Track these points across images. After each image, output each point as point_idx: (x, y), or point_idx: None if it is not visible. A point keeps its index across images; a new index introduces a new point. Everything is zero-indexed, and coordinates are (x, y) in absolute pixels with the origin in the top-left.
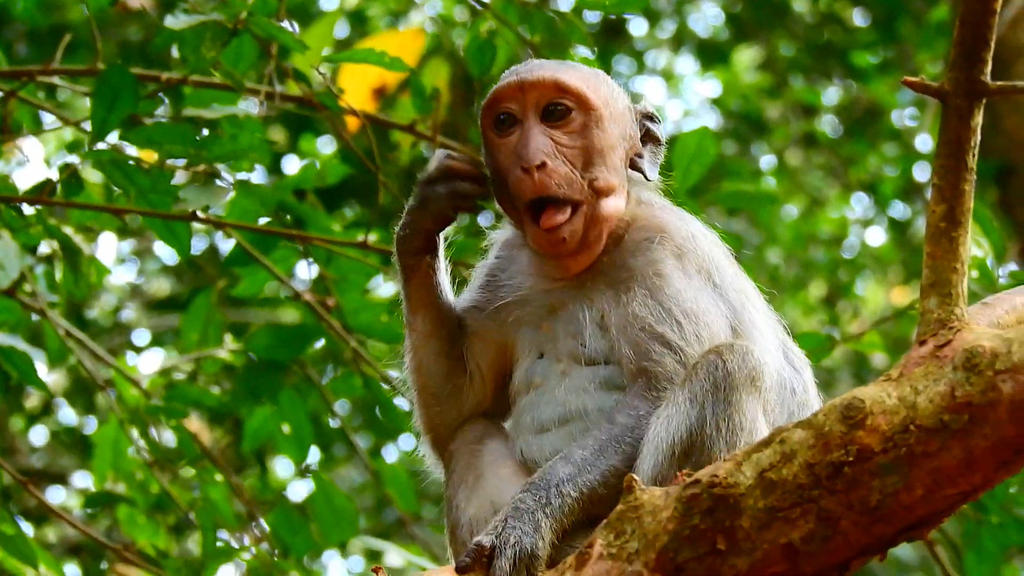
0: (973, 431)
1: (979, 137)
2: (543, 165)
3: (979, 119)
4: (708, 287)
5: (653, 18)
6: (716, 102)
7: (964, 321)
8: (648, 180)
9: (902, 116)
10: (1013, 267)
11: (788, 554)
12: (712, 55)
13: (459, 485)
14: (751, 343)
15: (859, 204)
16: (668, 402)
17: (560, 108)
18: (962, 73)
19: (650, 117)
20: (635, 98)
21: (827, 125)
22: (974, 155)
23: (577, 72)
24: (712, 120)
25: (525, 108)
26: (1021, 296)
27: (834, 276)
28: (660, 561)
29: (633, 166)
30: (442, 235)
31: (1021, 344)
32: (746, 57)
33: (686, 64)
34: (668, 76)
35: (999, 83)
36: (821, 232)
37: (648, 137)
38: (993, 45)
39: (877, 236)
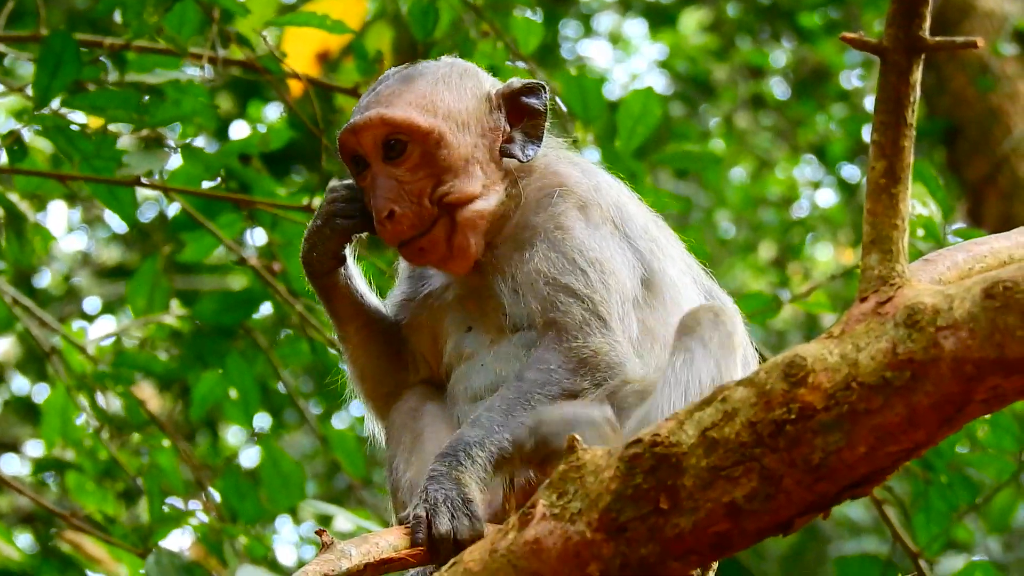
0: (915, 388)
1: (918, 93)
2: (391, 215)
3: (918, 75)
4: (615, 236)
5: None
6: (663, 65)
7: (905, 278)
8: (522, 162)
9: (850, 77)
10: (960, 226)
11: (731, 513)
12: (660, 18)
13: (398, 447)
14: (661, 294)
15: (808, 166)
16: (679, 349)
17: (395, 144)
18: (900, 29)
19: (525, 91)
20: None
21: (775, 87)
22: (913, 111)
23: (408, 96)
24: (660, 83)
25: (367, 152)
26: (962, 252)
27: (784, 238)
28: (603, 521)
29: (504, 153)
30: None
31: (962, 300)
32: (693, 20)
33: (634, 27)
34: (616, 39)
35: (937, 38)
36: (770, 194)
37: (524, 112)
38: (933, 2)
39: (827, 198)
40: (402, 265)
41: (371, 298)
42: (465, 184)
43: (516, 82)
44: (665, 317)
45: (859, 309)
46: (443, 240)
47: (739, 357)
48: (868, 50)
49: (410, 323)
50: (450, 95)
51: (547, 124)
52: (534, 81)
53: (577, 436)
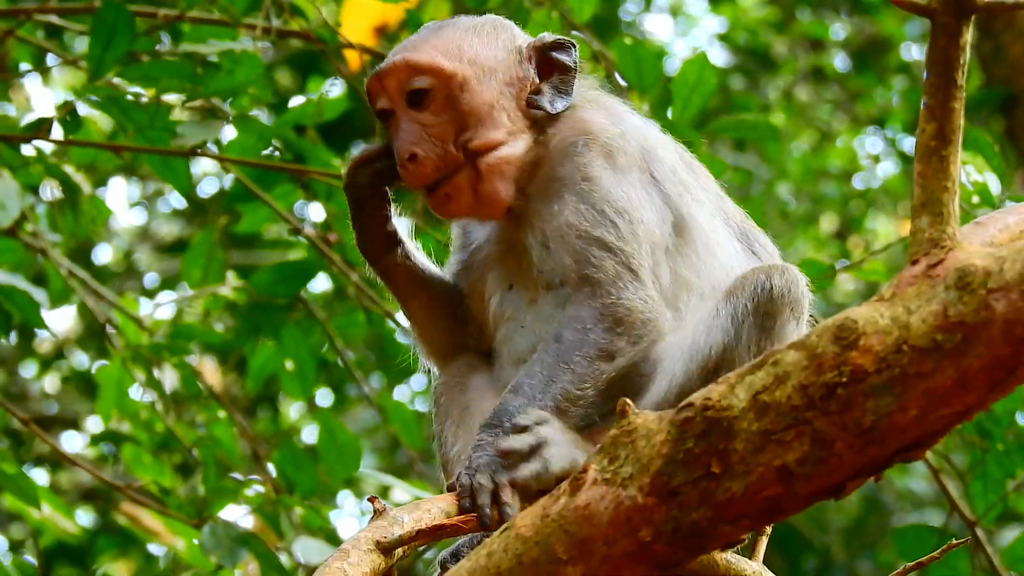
0: (966, 351)
1: (968, 55)
2: (413, 157)
3: (967, 37)
4: (643, 182)
5: None
6: (723, 38)
7: (956, 240)
8: (551, 114)
9: (910, 48)
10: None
11: (783, 476)
12: None
13: (446, 420)
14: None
15: (868, 138)
16: (710, 311)
17: (419, 90)
18: None
19: (554, 47)
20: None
21: (836, 59)
22: (963, 73)
23: (435, 41)
24: (720, 57)
25: (392, 98)
26: (1014, 215)
27: (845, 210)
28: (655, 485)
29: (531, 104)
30: (399, 223)
31: (1014, 262)
32: None
33: (694, 3)
34: (676, 13)
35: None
36: (831, 166)
37: (553, 67)
38: None
39: (887, 169)
40: (455, 233)
41: (433, 271)
42: (489, 131)
43: (547, 36)
44: (698, 264)
45: (910, 272)
46: (467, 187)
47: (791, 318)
48: (917, 12)
49: (469, 291)
50: (479, 42)
51: (577, 80)
52: (564, 37)
53: (628, 400)
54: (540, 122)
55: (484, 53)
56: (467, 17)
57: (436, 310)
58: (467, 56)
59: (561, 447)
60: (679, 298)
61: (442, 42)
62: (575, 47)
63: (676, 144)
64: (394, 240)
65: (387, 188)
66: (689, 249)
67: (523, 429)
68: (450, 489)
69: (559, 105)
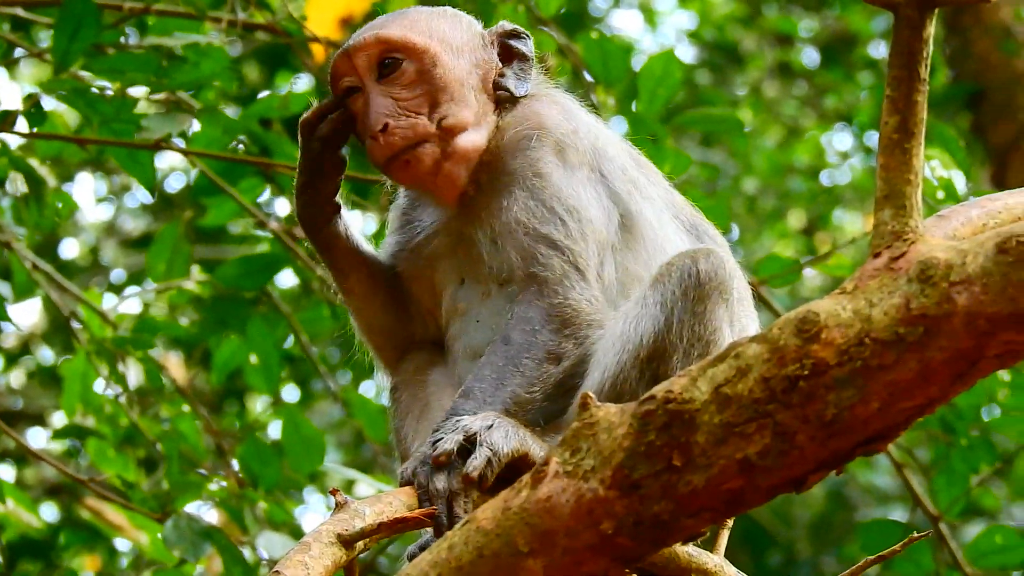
0: (928, 343)
1: (931, 48)
2: (385, 128)
3: (931, 30)
4: (592, 180)
5: None
6: (692, 35)
7: (919, 233)
8: (516, 97)
9: (878, 45)
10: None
11: (744, 469)
12: None
13: (406, 416)
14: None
15: (836, 135)
16: (638, 301)
17: (390, 62)
18: None
19: (512, 35)
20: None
21: (804, 56)
22: (927, 66)
23: (403, 19)
24: (688, 53)
25: (360, 74)
26: (976, 208)
27: (812, 206)
28: (616, 478)
29: (497, 87)
30: (339, 196)
31: (976, 255)
32: None
33: None
34: (645, 10)
35: None
36: (798, 162)
37: (513, 55)
38: None
39: (855, 165)
40: (392, 216)
41: (369, 248)
42: (462, 109)
43: (506, 24)
44: (647, 259)
45: (872, 265)
46: (431, 161)
47: (720, 301)
48: (881, 5)
49: (408, 273)
50: (445, 24)
51: (533, 70)
52: (519, 27)
53: (590, 393)
54: (500, 110)
55: (451, 33)
56: (427, 7)
57: (374, 286)
58: (436, 34)
59: (502, 428)
60: (630, 293)
61: (411, 21)
62: (530, 38)
63: (625, 142)
64: (336, 210)
65: (342, 152)
66: (638, 245)
67: (472, 436)
68: (403, 483)
69: (522, 89)
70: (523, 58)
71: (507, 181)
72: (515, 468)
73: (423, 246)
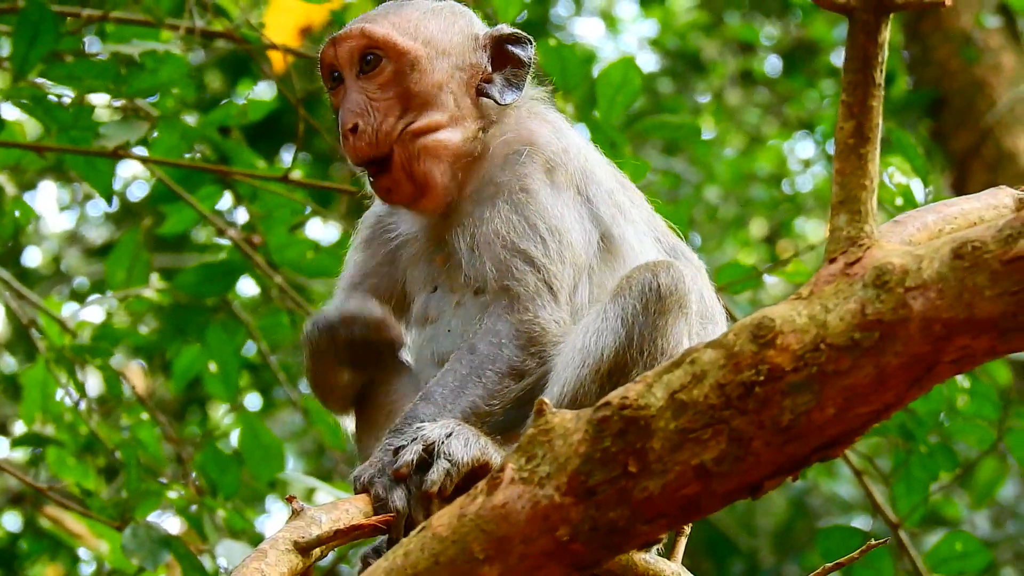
0: (884, 349)
1: (886, 53)
2: (355, 128)
3: (886, 35)
4: (578, 202)
5: None
6: (654, 43)
7: (874, 239)
8: (500, 105)
9: (840, 53)
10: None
11: (700, 475)
12: None
13: (369, 425)
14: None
15: (798, 143)
16: (598, 314)
17: (370, 59)
18: None
19: (510, 39)
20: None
21: (766, 63)
22: (882, 71)
23: (393, 17)
24: (650, 61)
25: (343, 65)
26: (932, 214)
27: (774, 214)
28: (572, 484)
29: (481, 92)
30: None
31: (931, 260)
32: None
33: (625, 6)
34: (607, 17)
35: None
36: (760, 170)
37: (508, 60)
38: None
39: (817, 174)
40: (363, 223)
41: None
42: (432, 113)
43: (505, 28)
44: None
45: (828, 270)
46: (404, 176)
47: (680, 315)
48: (836, 10)
49: (378, 287)
50: (436, 23)
51: (528, 77)
52: (522, 32)
53: (545, 399)
54: (486, 116)
55: (440, 34)
56: (427, 1)
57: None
58: (422, 36)
59: (462, 436)
60: None
61: (400, 19)
62: (532, 43)
63: (611, 165)
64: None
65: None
66: (619, 265)
67: (431, 446)
68: (359, 490)
69: (508, 97)
70: (517, 63)
71: (492, 192)
72: (474, 475)
73: (399, 252)
